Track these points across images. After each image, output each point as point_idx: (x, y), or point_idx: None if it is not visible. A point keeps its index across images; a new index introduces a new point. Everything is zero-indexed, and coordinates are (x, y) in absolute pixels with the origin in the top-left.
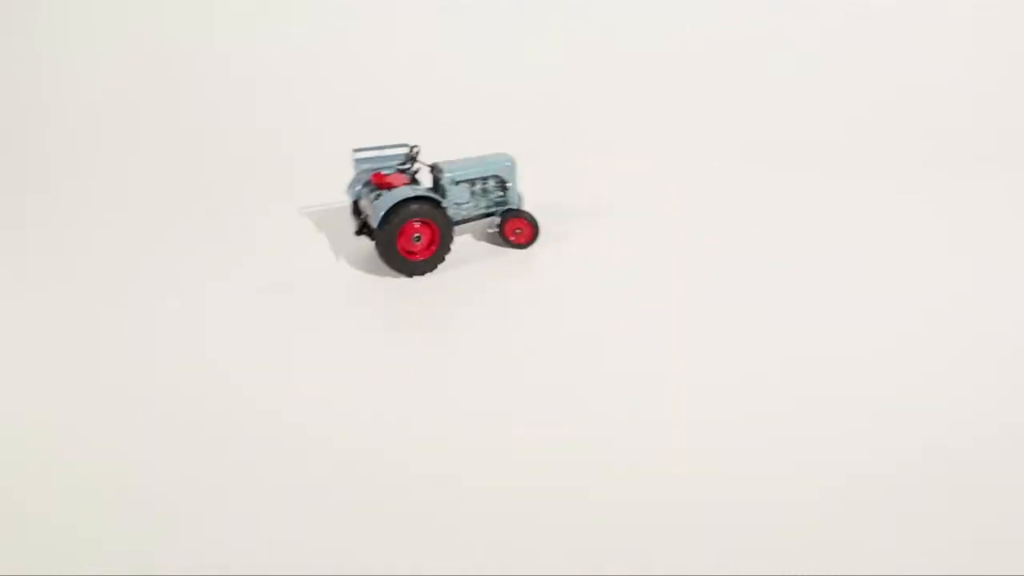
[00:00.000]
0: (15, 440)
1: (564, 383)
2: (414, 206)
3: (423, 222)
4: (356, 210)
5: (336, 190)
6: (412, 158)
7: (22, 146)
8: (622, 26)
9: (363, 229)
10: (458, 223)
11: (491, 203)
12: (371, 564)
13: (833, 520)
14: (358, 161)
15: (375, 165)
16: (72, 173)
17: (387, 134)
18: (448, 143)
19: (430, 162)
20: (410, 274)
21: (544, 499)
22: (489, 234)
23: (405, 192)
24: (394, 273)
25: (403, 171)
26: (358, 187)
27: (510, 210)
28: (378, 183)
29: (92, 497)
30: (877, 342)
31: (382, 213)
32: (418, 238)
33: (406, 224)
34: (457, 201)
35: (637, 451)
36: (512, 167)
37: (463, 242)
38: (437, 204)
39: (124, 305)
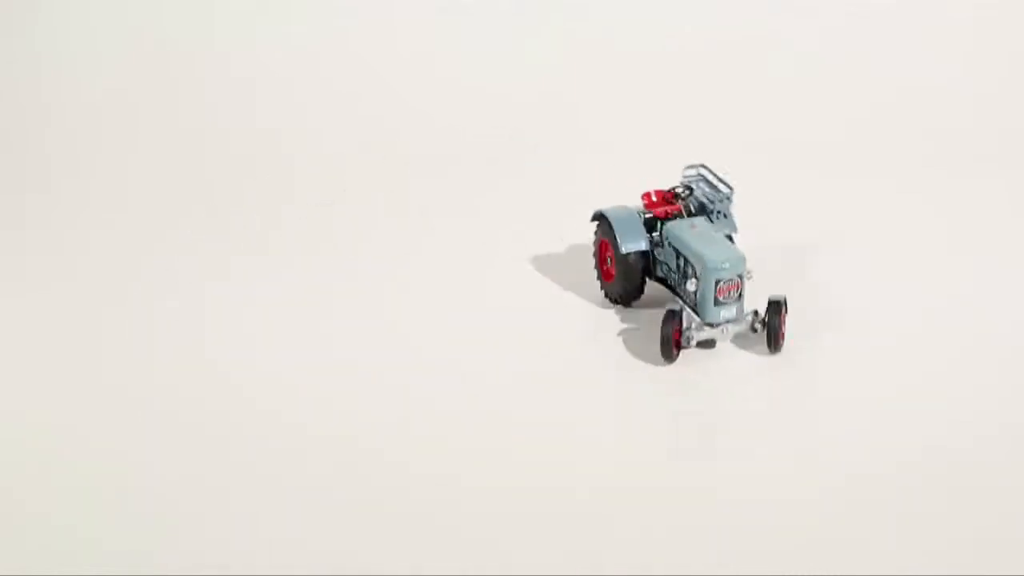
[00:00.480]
0: (15, 440)
1: (563, 381)
2: (603, 227)
3: (610, 249)
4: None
5: (337, 189)
6: (677, 194)
7: (22, 146)
8: (622, 26)
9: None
10: (663, 282)
11: (682, 290)
12: (371, 564)
13: (833, 520)
14: (690, 177)
15: (693, 183)
16: (72, 173)
17: (387, 134)
18: (448, 143)
19: (725, 210)
20: (604, 290)
21: (544, 499)
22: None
23: (608, 209)
24: (396, 280)
25: (675, 201)
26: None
27: (669, 311)
28: (648, 201)
29: (92, 497)
30: (877, 342)
31: (593, 215)
32: (609, 261)
33: (602, 240)
34: (667, 262)
35: (637, 451)
36: (710, 269)
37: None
38: (616, 241)
39: (124, 305)
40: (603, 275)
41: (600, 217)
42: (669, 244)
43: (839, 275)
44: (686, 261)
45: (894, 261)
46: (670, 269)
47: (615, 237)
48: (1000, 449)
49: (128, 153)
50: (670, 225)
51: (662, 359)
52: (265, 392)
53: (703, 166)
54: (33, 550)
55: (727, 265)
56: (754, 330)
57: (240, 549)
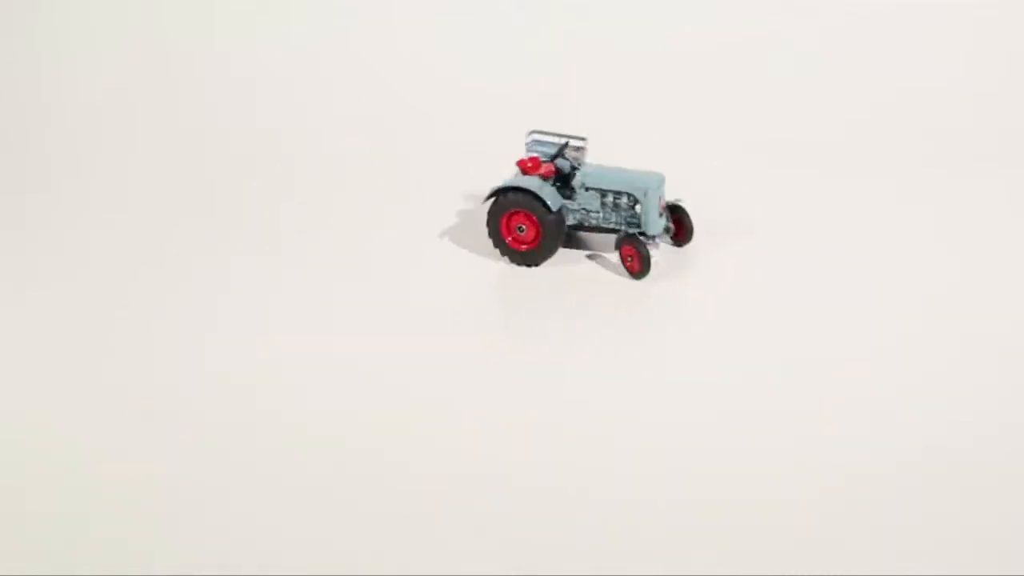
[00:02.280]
0: (16, 440)
1: (568, 384)
2: (511, 196)
3: (526, 215)
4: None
5: (337, 189)
6: (561, 152)
7: (22, 146)
8: (622, 26)
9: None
10: (586, 229)
11: (622, 220)
12: (377, 564)
13: (833, 520)
14: (532, 144)
15: (544, 149)
16: (72, 173)
17: (386, 134)
18: (449, 143)
19: (580, 160)
20: (514, 261)
21: (545, 499)
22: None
23: (514, 181)
24: (402, 270)
25: (553, 161)
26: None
27: (628, 235)
28: (520, 167)
29: (91, 497)
30: (877, 342)
31: (489, 193)
32: (522, 229)
33: (507, 212)
34: (586, 207)
35: (638, 451)
36: (650, 191)
37: (597, 247)
38: (543, 203)
39: (124, 305)
40: (514, 244)
41: (504, 191)
42: (588, 189)
43: (839, 275)
44: (615, 195)
45: (894, 261)
46: (588, 212)
47: (543, 201)
48: (1000, 449)
49: (128, 153)
50: (582, 175)
51: (642, 277)
52: (266, 392)
53: (541, 131)
54: (36, 550)
55: (657, 183)
56: (667, 230)
57: (242, 549)
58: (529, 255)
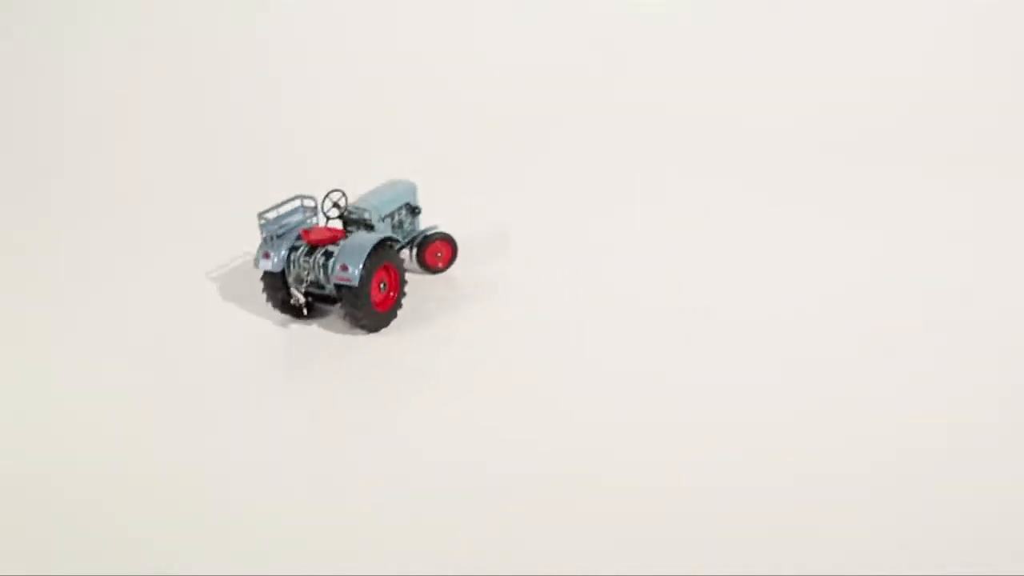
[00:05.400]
0: (16, 440)
1: (569, 390)
2: (387, 250)
3: (386, 268)
4: (283, 283)
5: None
6: (336, 205)
7: (23, 147)
8: (623, 24)
9: (302, 301)
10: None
11: (406, 233)
12: (385, 565)
13: (834, 520)
14: (267, 224)
15: (289, 224)
16: (73, 174)
17: (382, 136)
18: (448, 145)
19: (342, 206)
20: (374, 329)
21: (547, 499)
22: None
23: (377, 236)
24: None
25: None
26: (282, 253)
27: (427, 236)
28: (317, 240)
29: (93, 498)
30: (877, 341)
31: (360, 264)
32: (384, 286)
33: (376, 272)
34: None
35: (640, 455)
36: (416, 191)
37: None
38: (395, 245)
39: (129, 304)
40: (380, 308)
41: (371, 256)
42: (384, 219)
43: (838, 275)
44: (399, 211)
45: (894, 261)
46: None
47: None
48: (1000, 448)
49: (134, 154)
50: (373, 209)
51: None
52: (265, 393)
53: (267, 210)
54: (35, 550)
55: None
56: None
57: (245, 549)
58: (388, 314)
